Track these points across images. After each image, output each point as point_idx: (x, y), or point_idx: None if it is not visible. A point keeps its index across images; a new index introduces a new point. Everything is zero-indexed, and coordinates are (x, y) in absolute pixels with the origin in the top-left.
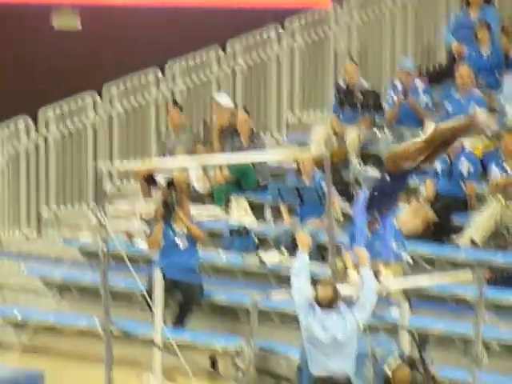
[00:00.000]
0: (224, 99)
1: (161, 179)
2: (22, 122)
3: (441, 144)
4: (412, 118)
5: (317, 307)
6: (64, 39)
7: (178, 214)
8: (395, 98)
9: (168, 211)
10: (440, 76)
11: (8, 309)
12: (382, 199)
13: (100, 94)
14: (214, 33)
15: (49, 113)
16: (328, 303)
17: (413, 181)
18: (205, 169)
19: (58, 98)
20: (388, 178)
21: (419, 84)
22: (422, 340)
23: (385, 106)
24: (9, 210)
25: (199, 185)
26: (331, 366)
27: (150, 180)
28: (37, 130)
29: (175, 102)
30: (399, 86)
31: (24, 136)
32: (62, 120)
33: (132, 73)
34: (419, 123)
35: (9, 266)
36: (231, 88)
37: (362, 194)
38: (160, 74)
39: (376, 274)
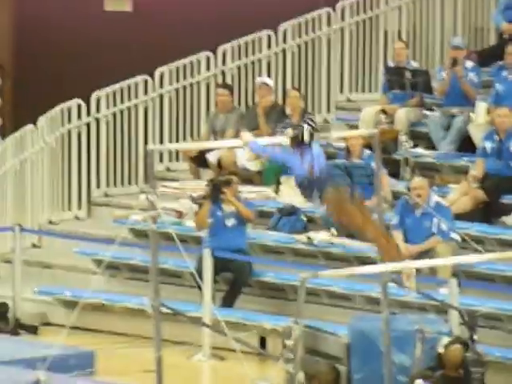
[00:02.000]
0: (267, 80)
1: (212, 158)
2: (74, 103)
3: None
4: (462, 98)
5: None
6: (116, 22)
7: (226, 194)
8: (444, 74)
9: (216, 191)
10: (489, 57)
11: (58, 288)
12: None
13: (152, 76)
14: (264, 16)
15: (101, 94)
16: None
17: (462, 160)
18: None
19: (110, 80)
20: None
21: (468, 63)
22: (471, 319)
23: (434, 85)
24: (59, 191)
25: (250, 163)
26: None
27: (198, 160)
28: (88, 111)
29: (224, 84)
30: (448, 64)
31: (75, 117)
32: (113, 101)
33: (183, 56)
34: (469, 103)
35: (59, 246)
36: (281, 69)
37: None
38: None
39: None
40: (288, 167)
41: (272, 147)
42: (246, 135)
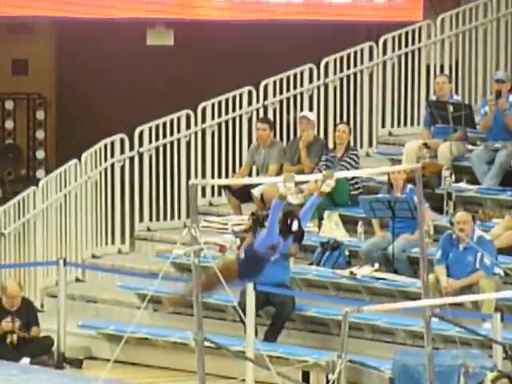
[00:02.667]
0: (309, 114)
1: (255, 192)
2: (117, 138)
3: None
4: (505, 132)
5: None
6: (158, 56)
7: None
8: (487, 108)
9: (258, 224)
10: None
11: (102, 322)
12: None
13: (194, 111)
14: (308, 50)
15: (144, 130)
16: None
17: (505, 195)
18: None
19: (153, 116)
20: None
21: (510, 97)
22: None
23: (477, 119)
24: (103, 226)
25: (292, 197)
26: None
27: (240, 194)
28: (132, 146)
29: (264, 118)
30: (491, 97)
31: (118, 151)
32: (155, 136)
33: (226, 92)
34: None
35: (103, 280)
36: (323, 103)
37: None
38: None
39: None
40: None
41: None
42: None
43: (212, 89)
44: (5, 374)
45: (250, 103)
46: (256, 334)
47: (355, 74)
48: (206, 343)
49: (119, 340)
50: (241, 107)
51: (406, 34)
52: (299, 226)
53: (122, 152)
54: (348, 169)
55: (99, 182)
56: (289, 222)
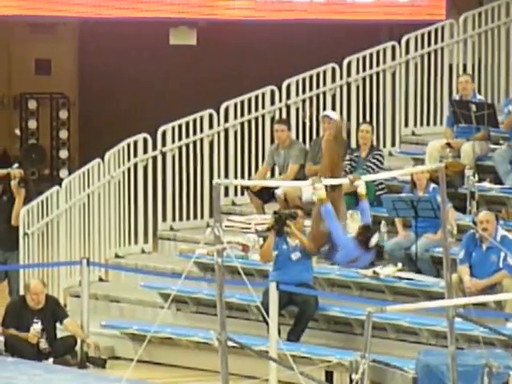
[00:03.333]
0: (331, 113)
1: (278, 192)
2: (140, 137)
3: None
4: None
5: None
6: (180, 56)
7: (291, 227)
8: (510, 107)
9: (281, 223)
10: None
11: (126, 322)
12: None
13: (217, 110)
14: (330, 50)
15: (167, 129)
16: None
17: None
18: None
19: (176, 116)
20: None
21: None
22: None
23: (500, 118)
24: (126, 225)
25: (315, 197)
26: None
27: (262, 194)
28: (154, 145)
29: (281, 119)
30: None
31: (141, 151)
32: (178, 135)
33: (249, 91)
34: None
35: (126, 280)
36: (346, 102)
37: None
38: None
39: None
40: (338, 244)
41: (339, 225)
42: (319, 187)
43: (235, 88)
44: (28, 373)
45: (272, 103)
46: (279, 333)
47: (378, 74)
48: (229, 343)
49: (142, 340)
50: (263, 107)
51: (429, 33)
52: (377, 241)
53: (145, 152)
54: (373, 169)
55: (122, 181)
56: (367, 236)
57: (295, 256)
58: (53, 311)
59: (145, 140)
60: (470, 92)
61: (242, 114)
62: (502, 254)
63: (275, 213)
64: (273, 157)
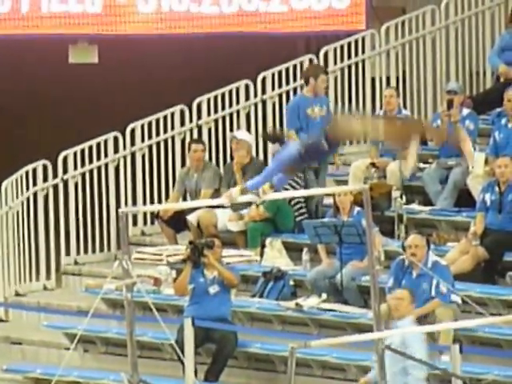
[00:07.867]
0: (241, 134)
1: (191, 218)
2: (40, 165)
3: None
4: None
5: None
6: (81, 75)
7: (209, 257)
8: (439, 122)
9: (197, 253)
10: (485, 102)
11: (29, 365)
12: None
13: (123, 133)
14: (242, 65)
15: (68, 155)
16: None
17: (461, 216)
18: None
19: (77, 141)
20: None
21: (464, 110)
22: None
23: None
24: (26, 260)
25: (232, 224)
26: None
27: (173, 222)
28: (55, 173)
29: (197, 139)
30: (443, 107)
31: (41, 179)
32: (81, 161)
33: (156, 112)
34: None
35: (28, 319)
36: (261, 120)
37: (294, 147)
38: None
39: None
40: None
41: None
42: (233, 191)
43: (141, 109)
44: None
45: (182, 123)
46: (196, 374)
47: (295, 90)
48: None
49: None
50: (173, 128)
51: (349, 44)
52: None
53: (45, 180)
54: (295, 189)
55: (21, 212)
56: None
57: (213, 289)
58: None
59: (44, 167)
60: (394, 107)
61: (150, 136)
62: (434, 282)
63: (191, 243)
64: (183, 182)
